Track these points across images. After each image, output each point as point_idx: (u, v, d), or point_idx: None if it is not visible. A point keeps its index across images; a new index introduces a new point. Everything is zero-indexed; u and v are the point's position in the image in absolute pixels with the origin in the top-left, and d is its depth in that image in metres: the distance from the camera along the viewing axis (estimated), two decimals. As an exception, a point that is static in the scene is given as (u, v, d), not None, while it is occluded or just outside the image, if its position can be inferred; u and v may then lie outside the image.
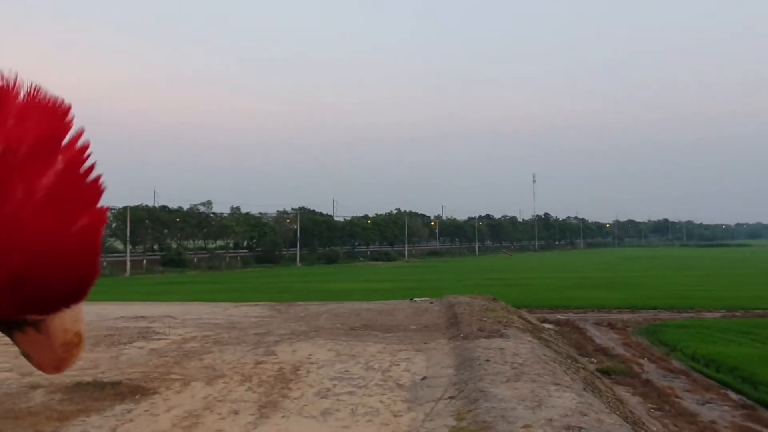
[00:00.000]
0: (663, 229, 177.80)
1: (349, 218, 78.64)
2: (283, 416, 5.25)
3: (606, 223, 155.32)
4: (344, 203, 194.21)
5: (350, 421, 5.10)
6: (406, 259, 73.44)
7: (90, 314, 11.44)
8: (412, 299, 18.04)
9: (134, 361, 7.07)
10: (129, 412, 5.36)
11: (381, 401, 5.68)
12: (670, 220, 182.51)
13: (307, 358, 7.29)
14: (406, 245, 79.22)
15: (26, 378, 6.45)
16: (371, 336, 8.01)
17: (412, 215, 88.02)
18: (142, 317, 10.48)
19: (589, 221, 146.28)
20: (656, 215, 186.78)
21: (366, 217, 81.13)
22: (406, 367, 6.96)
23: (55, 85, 0.54)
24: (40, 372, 0.63)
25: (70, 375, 6.61)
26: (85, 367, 6.63)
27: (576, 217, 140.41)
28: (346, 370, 6.69)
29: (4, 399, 5.83)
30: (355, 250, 77.05)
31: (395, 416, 5.15)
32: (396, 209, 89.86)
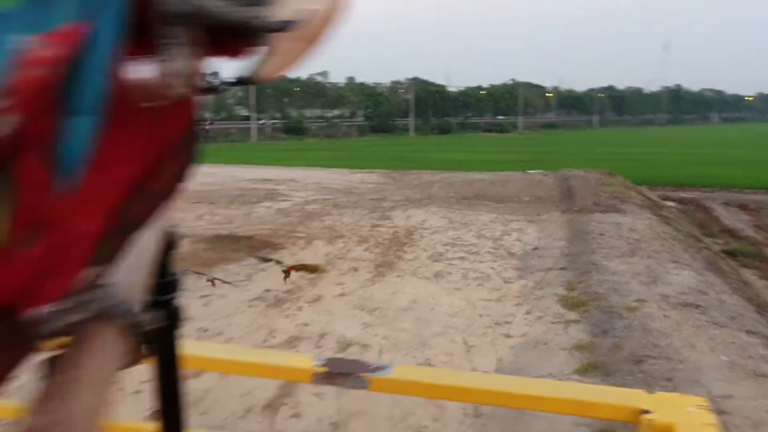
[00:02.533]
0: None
1: (462, 89, 76.78)
2: (398, 276, 5.61)
3: (747, 96, 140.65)
4: (458, 73, 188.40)
5: (462, 284, 5.36)
6: (520, 131, 71.50)
7: (222, 176, 12.37)
8: (525, 171, 17.67)
9: (263, 219, 7.72)
10: (261, 263, 5.93)
11: (492, 268, 5.89)
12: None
13: (421, 224, 7.58)
14: (520, 116, 76.79)
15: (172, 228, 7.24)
16: (483, 206, 8.13)
17: (528, 86, 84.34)
18: (268, 180, 11.23)
19: (727, 93, 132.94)
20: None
21: (480, 87, 78.78)
22: (517, 237, 7.06)
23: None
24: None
25: (210, 228, 7.34)
26: (222, 222, 7.34)
27: (711, 89, 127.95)
28: (459, 237, 6.93)
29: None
30: (468, 120, 75.90)
31: (506, 282, 5.35)
32: (511, 80, 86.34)
